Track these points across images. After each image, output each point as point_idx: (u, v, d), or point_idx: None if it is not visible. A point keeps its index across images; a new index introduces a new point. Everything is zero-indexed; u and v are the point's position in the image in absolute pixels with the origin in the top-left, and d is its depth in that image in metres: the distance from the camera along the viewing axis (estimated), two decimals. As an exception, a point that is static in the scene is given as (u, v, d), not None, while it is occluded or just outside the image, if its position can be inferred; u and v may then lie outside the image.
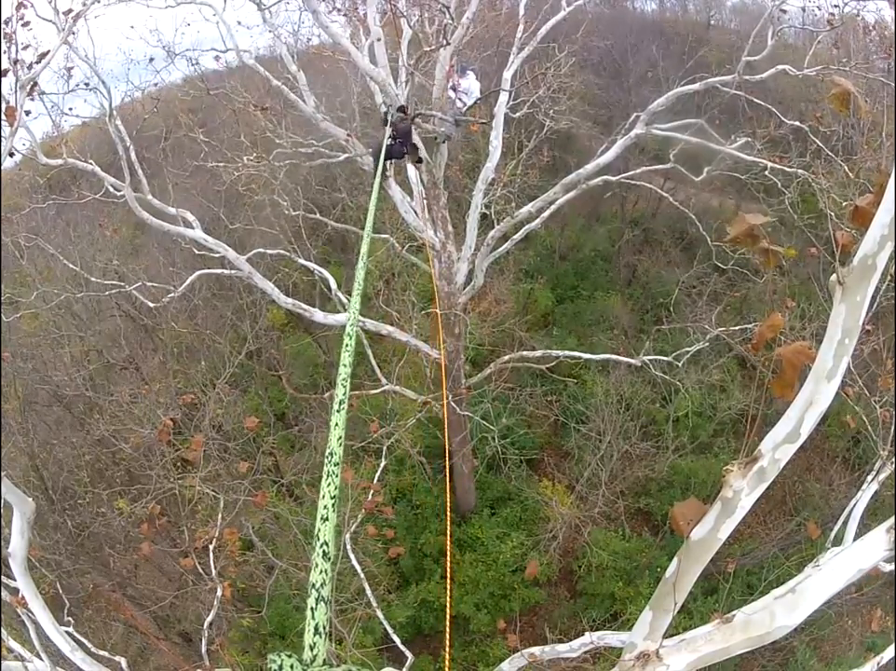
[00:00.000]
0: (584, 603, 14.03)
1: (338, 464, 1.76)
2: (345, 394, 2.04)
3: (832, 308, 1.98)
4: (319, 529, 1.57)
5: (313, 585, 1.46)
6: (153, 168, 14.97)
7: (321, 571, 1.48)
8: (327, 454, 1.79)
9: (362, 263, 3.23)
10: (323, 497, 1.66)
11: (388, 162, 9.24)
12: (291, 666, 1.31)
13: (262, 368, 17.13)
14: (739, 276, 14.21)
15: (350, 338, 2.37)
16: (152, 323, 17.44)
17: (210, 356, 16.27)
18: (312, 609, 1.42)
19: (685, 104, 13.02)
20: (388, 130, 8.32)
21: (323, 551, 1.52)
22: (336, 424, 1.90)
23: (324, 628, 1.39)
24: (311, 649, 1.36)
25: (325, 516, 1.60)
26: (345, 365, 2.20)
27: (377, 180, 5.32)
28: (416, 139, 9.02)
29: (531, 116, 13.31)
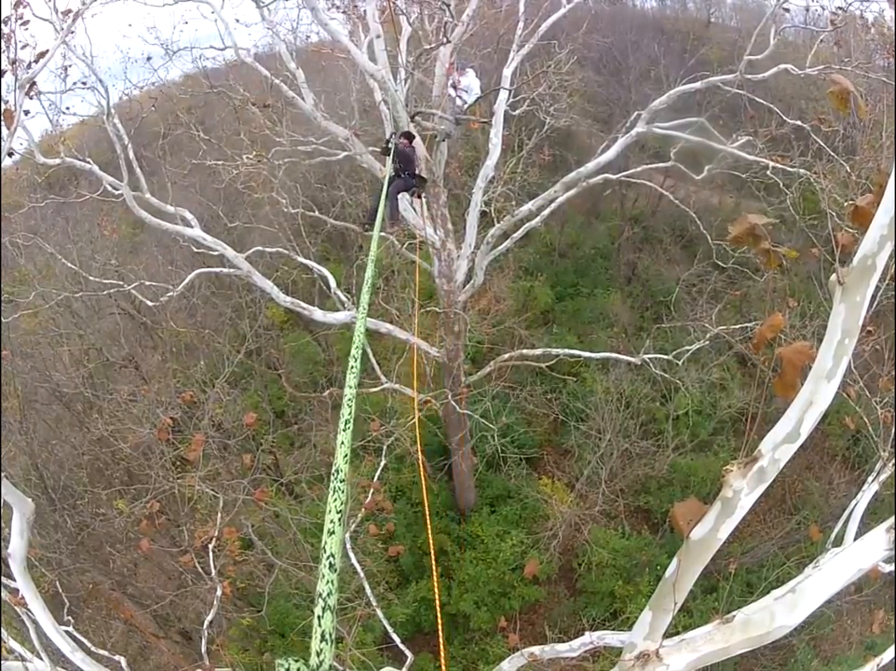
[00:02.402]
0: (584, 601, 14.04)
1: (344, 481, 1.81)
2: (350, 414, 2.09)
3: (832, 308, 1.97)
4: (326, 542, 1.62)
5: (320, 594, 1.51)
6: (151, 166, 14.96)
7: (328, 581, 1.53)
8: (333, 470, 1.84)
9: (366, 287, 3.33)
10: (330, 511, 1.71)
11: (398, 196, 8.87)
12: (298, 670, 1.37)
13: (261, 366, 17.11)
14: (740, 274, 14.21)
15: (356, 360, 2.44)
16: (151, 322, 17.43)
17: (210, 354, 16.26)
18: (319, 617, 1.47)
19: (686, 102, 12.97)
20: (390, 165, 7.95)
21: (330, 562, 1.57)
22: (343, 442, 1.96)
23: (330, 635, 1.46)
24: (318, 654, 1.42)
25: (332, 530, 1.66)
26: (350, 386, 2.26)
27: (377, 227, 4.74)
28: (422, 165, 8.83)
29: (531, 114, 13.25)
